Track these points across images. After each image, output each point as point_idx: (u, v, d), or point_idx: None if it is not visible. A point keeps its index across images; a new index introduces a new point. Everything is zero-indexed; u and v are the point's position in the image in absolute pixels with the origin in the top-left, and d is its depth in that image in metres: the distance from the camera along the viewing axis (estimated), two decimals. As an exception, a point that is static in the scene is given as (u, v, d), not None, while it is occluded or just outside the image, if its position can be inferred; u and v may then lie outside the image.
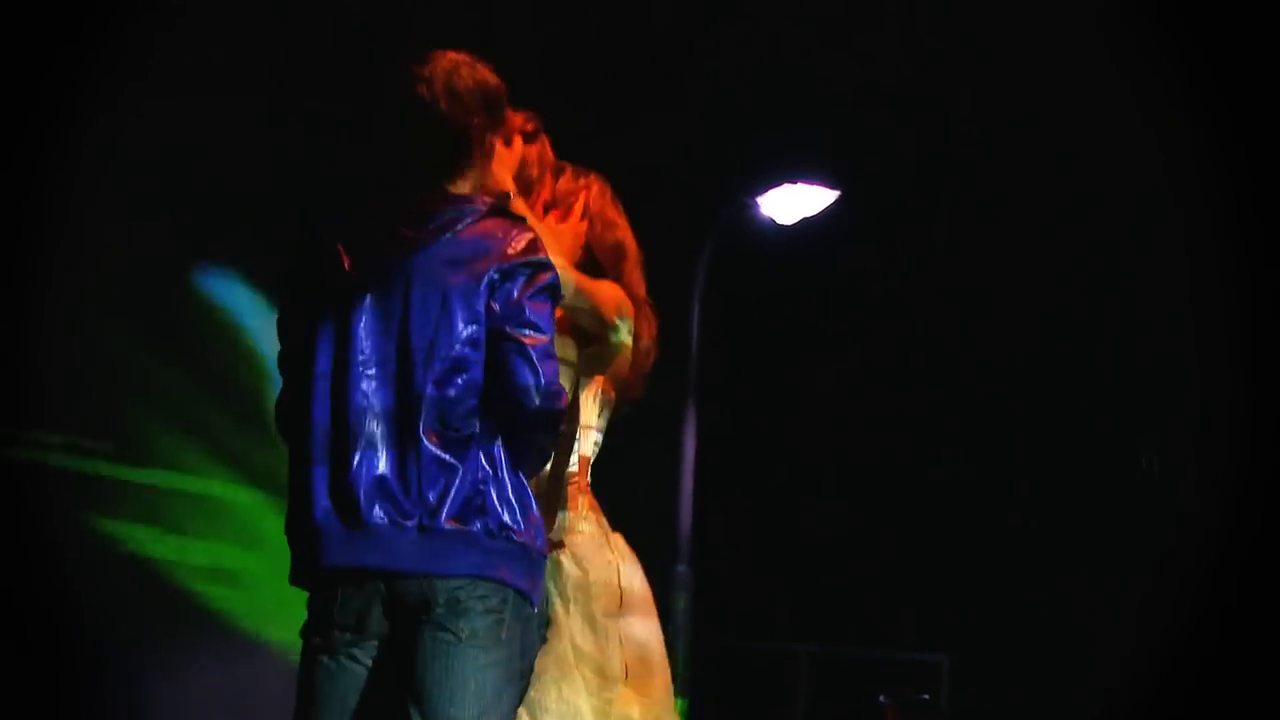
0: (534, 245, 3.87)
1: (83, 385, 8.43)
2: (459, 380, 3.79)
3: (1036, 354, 10.54)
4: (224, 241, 8.72)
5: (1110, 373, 10.07)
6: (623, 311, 4.35)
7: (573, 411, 4.27)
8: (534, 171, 4.42)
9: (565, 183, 4.46)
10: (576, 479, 4.34)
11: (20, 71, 7.48)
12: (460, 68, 3.98)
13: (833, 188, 10.91)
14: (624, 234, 4.48)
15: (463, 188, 3.95)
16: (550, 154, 4.43)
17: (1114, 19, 8.56)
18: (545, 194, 4.45)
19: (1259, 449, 9.20)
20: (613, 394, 4.42)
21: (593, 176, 4.52)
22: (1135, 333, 9.74)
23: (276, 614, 8.41)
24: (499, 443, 3.82)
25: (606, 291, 4.34)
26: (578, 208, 4.44)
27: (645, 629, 4.37)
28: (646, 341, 4.45)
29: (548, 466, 4.16)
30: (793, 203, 11.12)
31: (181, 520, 8.90)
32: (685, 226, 10.64)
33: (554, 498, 4.24)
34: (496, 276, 3.81)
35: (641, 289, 4.46)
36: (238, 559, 9.01)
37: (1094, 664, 9.93)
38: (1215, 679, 9.18)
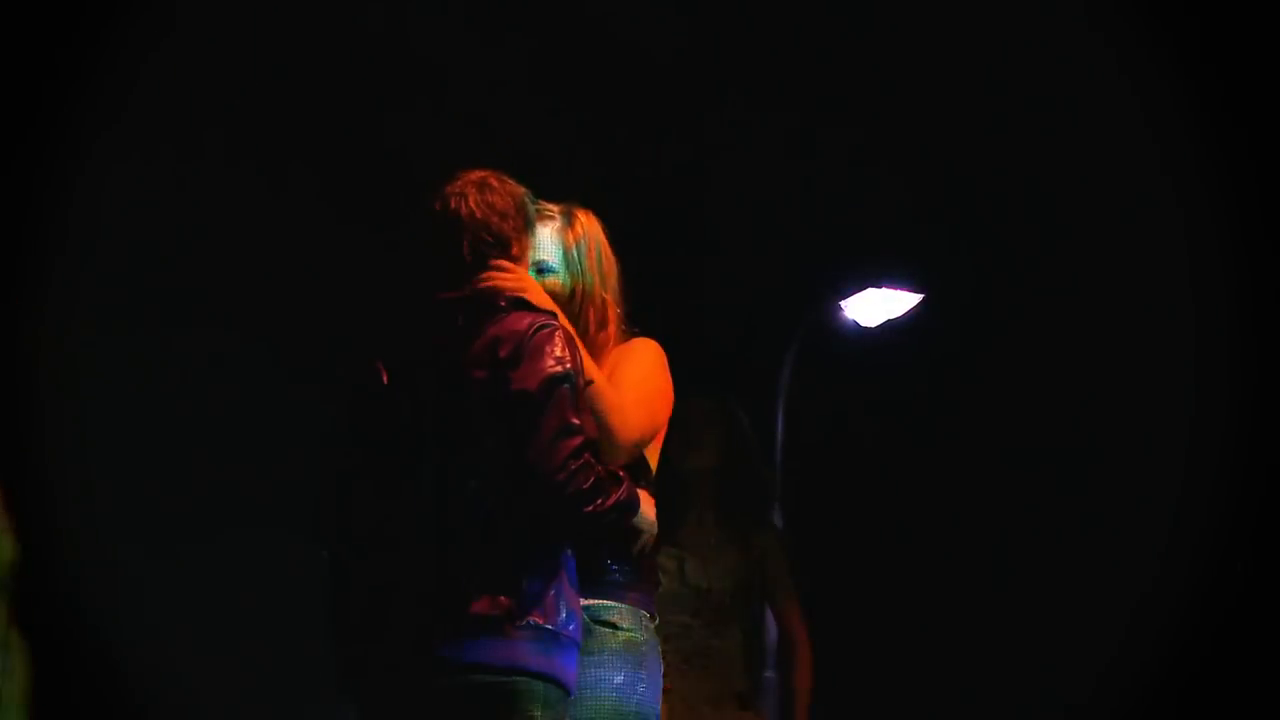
0: (552, 336, 3.99)
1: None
2: (484, 474, 3.91)
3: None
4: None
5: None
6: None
7: None
8: None
9: None
10: None
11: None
12: (489, 179, 4.21)
13: (917, 291, 10.96)
14: None
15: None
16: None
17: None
18: None
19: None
20: None
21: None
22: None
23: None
24: (531, 530, 3.92)
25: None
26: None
27: None
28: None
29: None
30: (877, 306, 11.16)
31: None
32: (769, 330, 10.69)
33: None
34: (516, 368, 3.93)
35: None
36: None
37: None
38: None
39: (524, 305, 4.09)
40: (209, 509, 8.56)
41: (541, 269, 4.42)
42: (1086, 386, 10.73)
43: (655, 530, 4.28)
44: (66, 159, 7.59)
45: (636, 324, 4.55)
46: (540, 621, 3.88)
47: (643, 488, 4.23)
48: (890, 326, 10.93)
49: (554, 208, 4.52)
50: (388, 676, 3.92)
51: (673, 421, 5.70)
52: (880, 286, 11.03)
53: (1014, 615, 10.68)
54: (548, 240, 4.45)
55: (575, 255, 4.45)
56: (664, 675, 5.58)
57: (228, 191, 8.34)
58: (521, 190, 4.23)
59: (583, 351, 4.16)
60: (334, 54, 8.13)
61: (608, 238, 4.56)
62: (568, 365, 3.96)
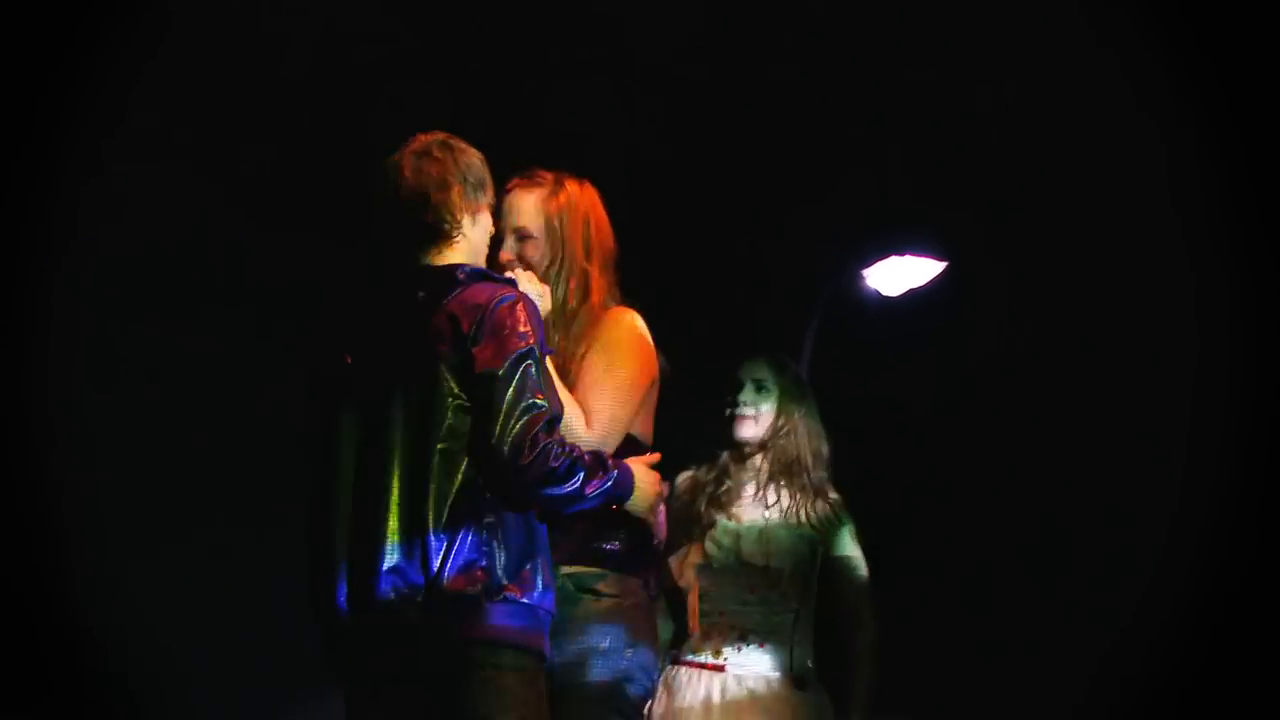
0: (513, 310, 3.95)
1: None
2: (454, 449, 3.89)
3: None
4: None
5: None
6: None
7: None
8: None
9: None
10: None
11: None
12: (431, 146, 4.13)
13: (940, 259, 10.90)
14: None
15: (452, 259, 4.07)
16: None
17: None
18: None
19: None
20: None
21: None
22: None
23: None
24: (502, 503, 3.91)
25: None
26: None
27: None
28: None
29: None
30: (899, 274, 11.09)
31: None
32: (792, 298, 10.66)
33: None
34: (478, 344, 3.90)
35: None
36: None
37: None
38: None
39: (483, 276, 4.06)
40: (191, 497, 8.54)
41: (521, 235, 4.40)
42: (1114, 354, 10.65)
43: (654, 509, 4.25)
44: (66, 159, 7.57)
45: (641, 297, 4.50)
46: (516, 595, 3.90)
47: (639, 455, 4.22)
48: (913, 295, 10.87)
49: (546, 175, 4.49)
50: (367, 652, 3.94)
51: (726, 387, 5.69)
52: (903, 255, 10.97)
53: (1052, 587, 10.61)
54: (530, 207, 4.43)
55: (558, 224, 4.41)
56: (718, 652, 5.56)
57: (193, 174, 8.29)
58: (471, 156, 4.16)
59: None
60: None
61: (606, 209, 4.50)
62: (530, 341, 3.93)
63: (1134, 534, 9.62)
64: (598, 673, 4.25)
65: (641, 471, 4.18)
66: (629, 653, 4.30)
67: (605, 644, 4.28)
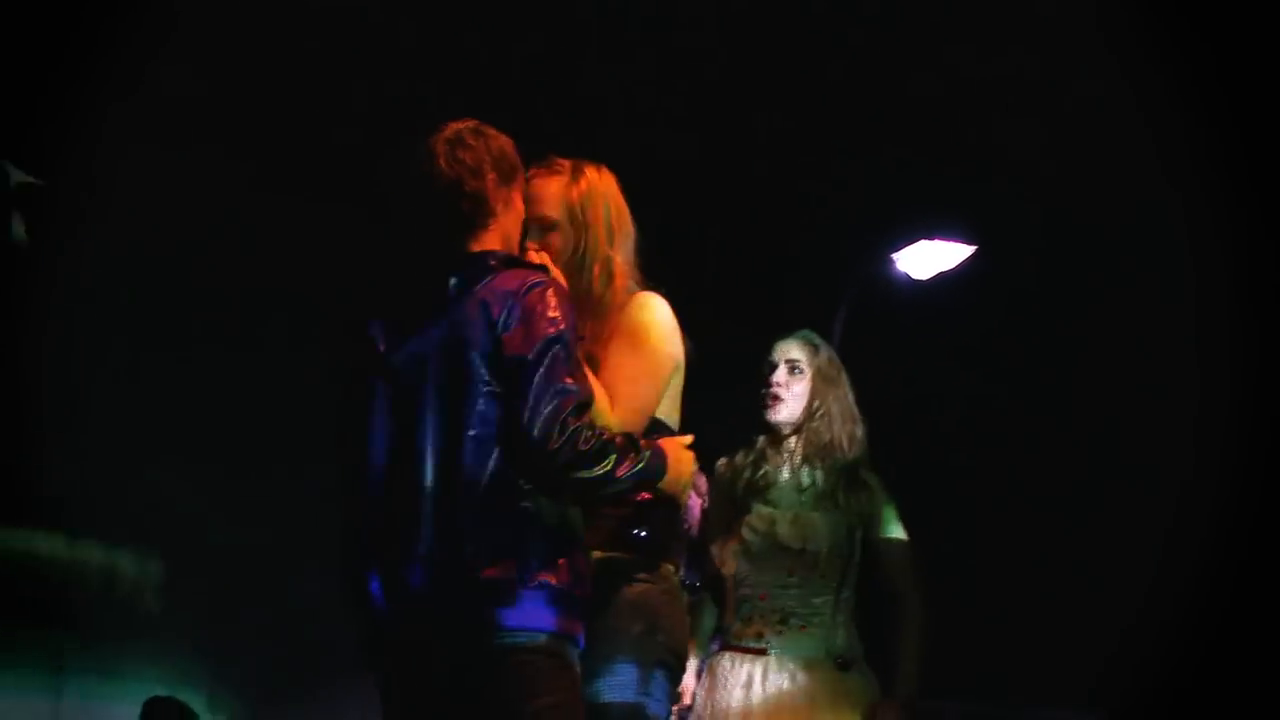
0: (544, 295, 3.94)
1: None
2: (486, 435, 3.87)
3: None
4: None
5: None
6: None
7: None
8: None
9: None
10: None
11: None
12: (464, 134, 4.10)
13: (969, 243, 10.88)
14: None
15: (486, 245, 4.07)
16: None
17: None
18: None
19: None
20: None
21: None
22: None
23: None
24: (535, 489, 3.88)
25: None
26: None
27: None
28: None
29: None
30: (929, 258, 11.07)
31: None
32: (821, 282, 10.67)
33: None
34: (509, 330, 3.89)
35: None
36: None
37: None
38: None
39: (514, 263, 4.06)
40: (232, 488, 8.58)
41: (543, 224, 4.37)
42: (1138, 337, 10.65)
43: (688, 489, 4.26)
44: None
45: (668, 282, 4.46)
46: (551, 581, 3.87)
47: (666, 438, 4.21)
48: (942, 279, 10.86)
49: (565, 163, 4.44)
50: (402, 639, 3.93)
51: (759, 370, 5.68)
52: (932, 239, 10.96)
53: (1081, 562, 10.60)
54: (551, 196, 4.39)
55: (579, 210, 4.37)
56: (760, 636, 5.56)
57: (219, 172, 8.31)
58: (503, 142, 4.14)
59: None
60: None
61: (625, 195, 4.48)
62: (560, 326, 3.90)
63: (1147, 524, 9.62)
64: (628, 656, 4.24)
65: (675, 451, 4.13)
66: (660, 637, 4.27)
67: (637, 628, 4.25)
